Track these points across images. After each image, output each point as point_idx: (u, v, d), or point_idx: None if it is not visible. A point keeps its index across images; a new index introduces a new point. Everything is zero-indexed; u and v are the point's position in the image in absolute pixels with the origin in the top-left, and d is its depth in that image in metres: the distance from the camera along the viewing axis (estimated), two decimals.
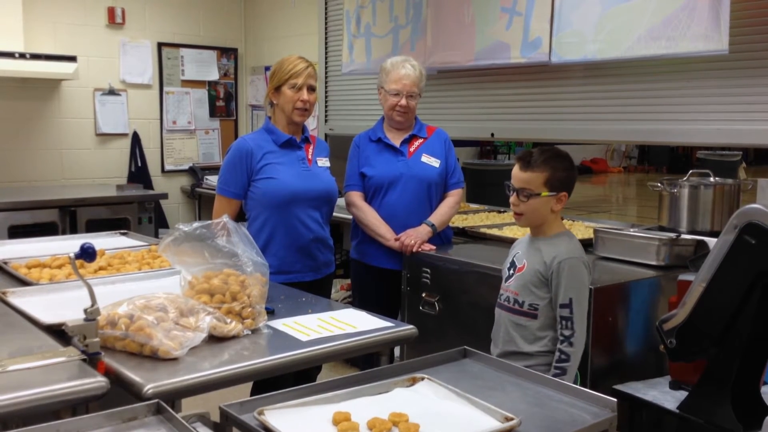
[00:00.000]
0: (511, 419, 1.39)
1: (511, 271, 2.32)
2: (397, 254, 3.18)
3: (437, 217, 3.19)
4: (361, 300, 3.31)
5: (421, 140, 3.26)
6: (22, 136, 5.40)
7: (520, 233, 3.37)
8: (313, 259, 2.91)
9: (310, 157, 2.96)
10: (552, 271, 2.18)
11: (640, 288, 2.72)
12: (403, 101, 3.14)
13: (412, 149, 3.24)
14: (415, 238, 3.10)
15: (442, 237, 3.28)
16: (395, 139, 3.24)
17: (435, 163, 3.22)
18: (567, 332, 2.15)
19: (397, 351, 3.29)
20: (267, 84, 6.06)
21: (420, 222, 3.17)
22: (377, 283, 3.27)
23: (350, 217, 3.49)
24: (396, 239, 3.12)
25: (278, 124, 2.93)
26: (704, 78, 3.18)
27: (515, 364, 1.79)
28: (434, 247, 3.13)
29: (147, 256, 2.73)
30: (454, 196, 3.28)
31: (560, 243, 2.22)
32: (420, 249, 3.10)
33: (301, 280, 2.82)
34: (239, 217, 2.86)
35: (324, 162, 3.01)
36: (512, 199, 2.25)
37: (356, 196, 3.22)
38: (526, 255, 2.29)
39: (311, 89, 2.89)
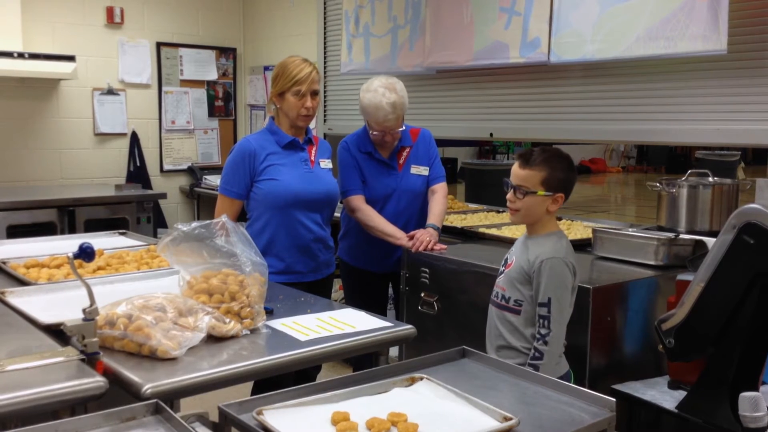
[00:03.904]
0: (510, 419, 1.39)
1: (503, 268, 2.33)
2: (386, 259, 3.22)
3: (434, 217, 3.21)
4: (352, 302, 3.32)
5: (408, 149, 3.29)
6: (20, 135, 5.40)
7: (518, 233, 3.38)
8: (314, 259, 2.91)
9: (312, 158, 2.96)
10: (534, 270, 2.19)
11: (638, 288, 2.73)
12: (388, 137, 3.18)
13: (401, 161, 3.28)
14: (429, 236, 3.11)
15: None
16: (384, 152, 3.26)
17: (424, 171, 3.28)
18: (543, 330, 2.15)
19: (396, 351, 3.29)
20: (266, 84, 6.11)
21: (417, 228, 3.18)
22: (368, 286, 3.32)
23: None
24: (409, 237, 3.13)
25: (282, 126, 2.93)
26: (703, 78, 3.18)
27: (508, 362, 1.81)
28: (446, 247, 3.14)
29: (146, 255, 2.73)
30: (440, 190, 3.30)
31: (547, 242, 2.22)
32: (433, 247, 3.10)
33: (302, 280, 2.83)
34: (241, 217, 2.86)
35: (326, 164, 3.01)
36: (509, 195, 2.26)
37: (359, 200, 3.20)
38: (516, 252, 2.31)
39: (314, 94, 2.89)
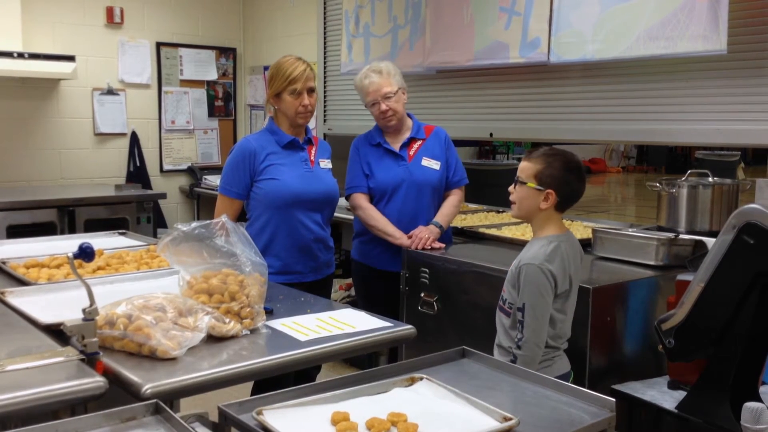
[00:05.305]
0: (510, 419, 1.39)
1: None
2: (399, 257, 3.18)
3: (442, 216, 3.21)
4: (364, 301, 3.32)
5: (419, 142, 3.25)
6: (20, 135, 5.40)
7: (519, 233, 3.38)
8: (314, 259, 2.91)
9: (312, 158, 2.95)
10: (517, 274, 2.19)
11: (638, 288, 2.73)
12: (382, 106, 3.13)
13: (411, 152, 3.23)
14: (429, 233, 3.11)
15: (444, 237, 3.28)
16: (394, 144, 3.23)
17: (435, 165, 3.21)
18: (519, 335, 2.16)
19: None
20: (266, 84, 6.10)
21: (425, 224, 3.17)
22: (379, 285, 3.28)
23: (350, 216, 3.48)
24: (409, 236, 3.12)
25: (281, 126, 2.93)
26: (703, 78, 3.19)
27: (506, 360, 1.81)
28: (443, 245, 3.14)
29: (145, 256, 2.73)
30: (457, 194, 3.28)
31: (533, 246, 2.22)
32: (432, 245, 3.10)
33: (302, 280, 2.83)
34: (241, 217, 2.86)
35: (326, 164, 3.01)
36: (511, 186, 2.28)
37: (361, 198, 3.20)
38: (518, 254, 2.31)
39: (311, 91, 2.88)
